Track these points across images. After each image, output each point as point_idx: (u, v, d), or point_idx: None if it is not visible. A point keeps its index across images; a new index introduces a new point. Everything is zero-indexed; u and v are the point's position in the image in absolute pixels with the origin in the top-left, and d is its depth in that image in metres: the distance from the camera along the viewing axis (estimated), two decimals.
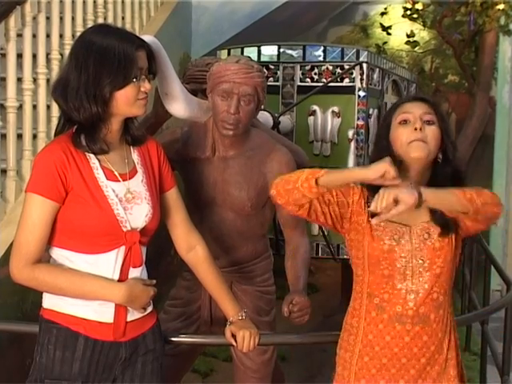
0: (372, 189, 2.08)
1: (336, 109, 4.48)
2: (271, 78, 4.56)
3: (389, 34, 7.09)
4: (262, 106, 2.94)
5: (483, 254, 5.05)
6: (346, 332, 2.24)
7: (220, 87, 2.69)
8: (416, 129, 2.11)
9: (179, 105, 2.65)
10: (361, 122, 4.43)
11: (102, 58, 2.03)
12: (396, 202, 1.92)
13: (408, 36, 7.01)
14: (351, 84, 4.44)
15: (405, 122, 2.15)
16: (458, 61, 6.73)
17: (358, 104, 4.43)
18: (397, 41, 7.15)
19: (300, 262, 2.80)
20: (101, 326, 2.09)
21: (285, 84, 4.59)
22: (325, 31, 7.47)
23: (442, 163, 2.16)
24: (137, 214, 2.12)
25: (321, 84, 4.46)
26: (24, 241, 2.05)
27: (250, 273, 2.91)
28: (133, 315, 2.15)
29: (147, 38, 2.28)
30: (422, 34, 7.07)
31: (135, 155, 2.19)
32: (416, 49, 7.07)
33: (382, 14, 7.14)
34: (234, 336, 2.34)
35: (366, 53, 4.51)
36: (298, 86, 4.56)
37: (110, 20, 4.94)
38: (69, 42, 4.33)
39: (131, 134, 2.18)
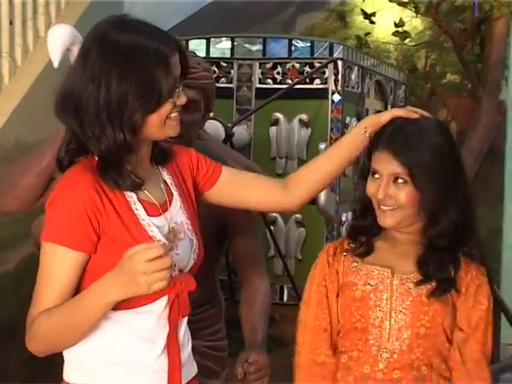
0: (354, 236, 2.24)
1: (304, 117, 4.55)
2: (223, 79, 4.63)
3: (372, 22, 7.18)
4: (211, 114, 2.99)
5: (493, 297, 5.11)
6: None
7: None
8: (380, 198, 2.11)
9: None
10: (335, 134, 4.50)
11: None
12: None
13: (396, 25, 7.07)
14: (323, 86, 4.51)
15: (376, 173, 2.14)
16: (459, 56, 6.82)
17: (332, 111, 4.50)
18: (382, 31, 7.25)
19: (258, 309, 2.82)
20: None
21: (240, 86, 4.65)
22: (292, 19, 7.56)
23: (432, 231, 2.13)
24: (184, 253, 2.06)
25: (285, 86, 4.53)
26: (43, 299, 1.91)
27: (194, 323, 2.88)
28: (188, 376, 2.17)
29: (62, 27, 2.30)
30: (414, 23, 7.18)
31: (165, 174, 2.14)
32: (406, 41, 7.17)
33: None
34: None
35: (341, 47, 4.59)
36: (257, 89, 4.62)
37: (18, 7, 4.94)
38: None
39: (159, 150, 2.11)
